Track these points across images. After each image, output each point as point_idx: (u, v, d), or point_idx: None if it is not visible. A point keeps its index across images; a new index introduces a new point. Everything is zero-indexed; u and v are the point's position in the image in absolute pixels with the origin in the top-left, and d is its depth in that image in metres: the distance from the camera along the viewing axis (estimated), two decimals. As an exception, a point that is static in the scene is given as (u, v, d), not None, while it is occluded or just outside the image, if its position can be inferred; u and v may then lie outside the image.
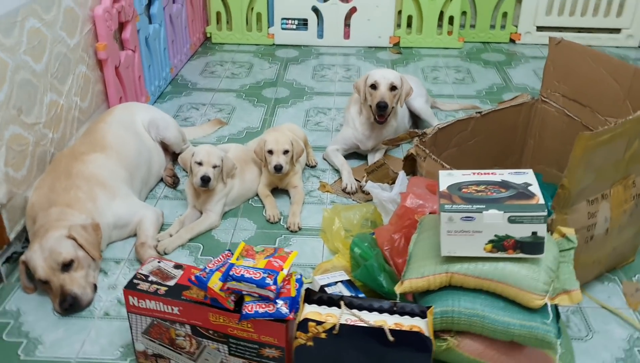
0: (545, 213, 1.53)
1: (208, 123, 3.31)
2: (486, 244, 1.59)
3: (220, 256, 1.73)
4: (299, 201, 2.63)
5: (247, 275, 1.59)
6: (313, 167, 2.96)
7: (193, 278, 1.67)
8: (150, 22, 3.50)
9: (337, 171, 2.90)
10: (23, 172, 2.32)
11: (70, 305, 2.04)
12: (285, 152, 2.57)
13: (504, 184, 1.68)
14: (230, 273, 1.60)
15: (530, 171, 1.75)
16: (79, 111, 2.78)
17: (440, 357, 1.67)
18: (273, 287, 1.57)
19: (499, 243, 1.58)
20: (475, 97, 3.75)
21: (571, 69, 2.46)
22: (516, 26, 4.63)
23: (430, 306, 1.59)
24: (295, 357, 1.59)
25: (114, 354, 1.92)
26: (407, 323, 1.57)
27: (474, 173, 1.78)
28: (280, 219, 2.56)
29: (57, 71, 2.57)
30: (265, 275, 1.59)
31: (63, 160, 2.38)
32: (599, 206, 1.98)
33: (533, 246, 1.57)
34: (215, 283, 1.63)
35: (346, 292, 1.92)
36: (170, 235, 2.43)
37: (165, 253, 2.34)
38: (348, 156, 3.02)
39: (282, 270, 1.63)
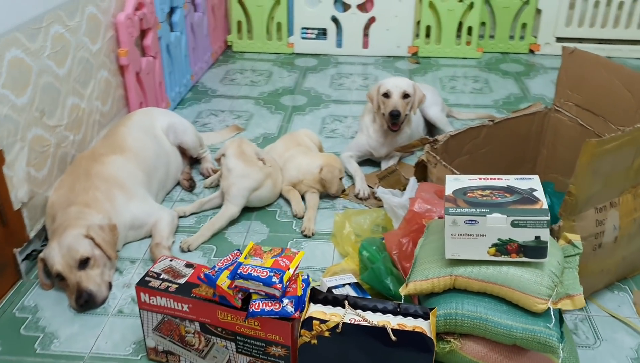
0: (547, 218, 1.55)
1: (226, 129, 3.38)
2: (490, 247, 1.61)
3: (230, 256, 1.77)
4: (314, 206, 2.67)
5: (254, 274, 1.63)
6: (327, 173, 3.00)
7: (202, 276, 1.72)
8: (171, 30, 3.58)
9: (351, 177, 2.93)
10: (44, 172, 2.40)
11: (85, 302, 2.10)
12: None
13: (509, 190, 1.70)
14: (238, 271, 1.65)
15: (535, 177, 1.76)
16: (99, 115, 2.87)
17: (443, 359, 1.69)
18: (279, 286, 1.61)
19: (503, 247, 1.60)
20: (492, 107, 3.76)
21: (584, 79, 2.47)
22: (535, 37, 4.64)
23: (434, 308, 1.62)
24: (300, 355, 1.62)
25: (126, 350, 1.98)
26: (410, 324, 1.60)
27: (480, 178, 1.80)
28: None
29: (80, 75, 2.65)
30: (272, 273, 1.63)
31: (83, 161, 2.45)
32: (607, 214, 1.98)
33: (536, 250, 1.59)
34: (223, 281, 1.67)
35: (353, 294, 1.94)
36: (185, 213, 2.55)
37: (189, 250, 2.41)
38: (362, 163, 3.05)
39: (288, 269, 1.67)
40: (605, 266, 2.11)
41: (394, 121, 2.84)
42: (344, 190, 2.78)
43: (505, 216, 1.58)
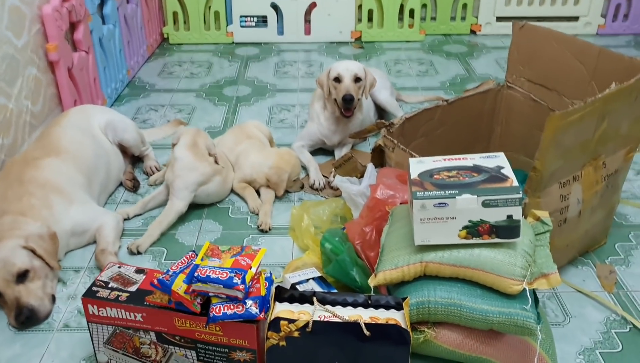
0: (519, 196, 1.49)
1: (168, 124, 3.20)
2: (460, 230, 1.54)
3: (184, 258, 1.64)
4: (270, 200, 2.55)
5: (213, 276, 1.51)
6: (279, 165, 2.88)
7: (156, 281, 1.58)
8: (103, 23, 3.37)
9: (304, 167, 2.82)
10: (-29, 181, 2.19)
11: (27, 318, 1.92)
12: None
13: (476, 169, 1.64)
14: (195, 274, 1.52)
15: (501, 154, 1.71)
16: (30, 116, 2.65)
17: (417, 350, 1.62)
18: (241, 287, 1.49)
19: (474, 229, 1.54)
20: (439, 88, 3.72)
21: (536, 53, 2.43)
22: (476, 17, 4.63)
23: (406, 297, 1.54)
24: (268, 358, 1.51)
25: (75, 368, 1.82)
26: (383, 316, 1.51)
27: (444, 159, 1.73)
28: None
29: (5, 73, 2.44)
30: (233, 274, 1.51)
31: (14, 167, 2.25)
32: (571, 188, 1.95)
33: (508, 230, 1.53)
34: (179, 286, 1.54)
35: (318, 289, 1.84)
36: (128, 215, 2.45)
37: (139, 252, 2.26)
38: (314, 152, 2.95)
39: (250, 268, 1.55)
40: (569, 241, 2.08)
41: (347, 106, 2.74)
42: (302, 186, 2.66)
43: (476, 196, 1.51)
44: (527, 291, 1.53)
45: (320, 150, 2.98)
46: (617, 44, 4.43)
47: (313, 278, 1.90)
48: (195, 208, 2.51)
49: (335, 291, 1.85)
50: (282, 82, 3.81)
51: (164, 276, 1.57)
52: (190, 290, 1.54)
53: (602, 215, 2.20)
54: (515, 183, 1.53)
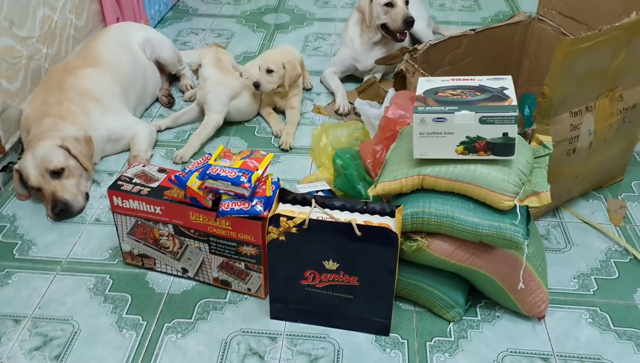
0: (515, 114, 1.53)
1: (206, 47, 3.30)
2: (458, 146, 1.60)
3: (200, 159, 1.77)
4: (294, 122, 2.65)
5: (222, 174, 1.63)
6: (308, 90, 2.96)
7: (173, 177, 1.72)
8: (150, -55, 3.46)
9: (332, 94, 2.89)
10: (17, 85, 2.37)
11: (61, 211, 2.11)
12: (269, 71, 2.58)
13: (481, 89, 1.68)
14: (208, 172, 1.65)
15: (508, 77, 1.74)
16: (74, 29, 2.80)
17: (411, 257, 1.71)
18: (247, 185, 1.61)
19: (471, 145, 1.59)
20: (480, 24, 3.67)
21: (568, -15, 2.40)
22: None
23: (400, 205, 1.63)
24: (269, 251, 1.64)
25: (102, 256, 2.00)
26: (376, 221, 1.61)
27: (453, 79, 1.77)
28: None
29: (50, -14, 2.58)
30: (240, 173, 1.63)
31: (56, 74, 2.41)
32: (582, 118, 1.97)
33: (504, 147, 1.58)
34: (193, 182, 1.67)
35: (326, 199, 1.95)
36: (160, 128, 2.59)
37: (183, 162, 2.41)
38: (345, 80, 3.01)
39: (257, 170, 1.67)
40: (579, 172, 2.11)
41: (408, 28, 2.82)
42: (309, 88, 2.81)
43: (474, 112, 1.56)
44: (517, 208, 1.59)
45: (351, 78, 3.03)
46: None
47: (323, 191, 2.00)
48: (224, 126, 2.63)
49: (343, 203, 1.95)
50: (322, 12, 3.85)
51: (180, 173, 1.71)
52: (203, 187, 1.67)
53: (618, 150, 2.21)
54: (514, 103, 1.58)
